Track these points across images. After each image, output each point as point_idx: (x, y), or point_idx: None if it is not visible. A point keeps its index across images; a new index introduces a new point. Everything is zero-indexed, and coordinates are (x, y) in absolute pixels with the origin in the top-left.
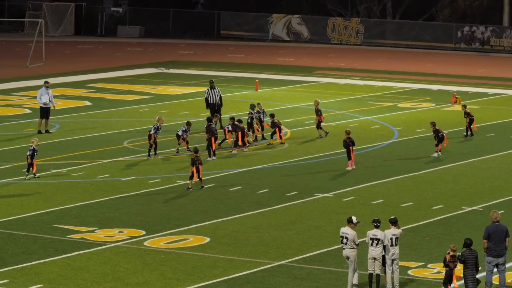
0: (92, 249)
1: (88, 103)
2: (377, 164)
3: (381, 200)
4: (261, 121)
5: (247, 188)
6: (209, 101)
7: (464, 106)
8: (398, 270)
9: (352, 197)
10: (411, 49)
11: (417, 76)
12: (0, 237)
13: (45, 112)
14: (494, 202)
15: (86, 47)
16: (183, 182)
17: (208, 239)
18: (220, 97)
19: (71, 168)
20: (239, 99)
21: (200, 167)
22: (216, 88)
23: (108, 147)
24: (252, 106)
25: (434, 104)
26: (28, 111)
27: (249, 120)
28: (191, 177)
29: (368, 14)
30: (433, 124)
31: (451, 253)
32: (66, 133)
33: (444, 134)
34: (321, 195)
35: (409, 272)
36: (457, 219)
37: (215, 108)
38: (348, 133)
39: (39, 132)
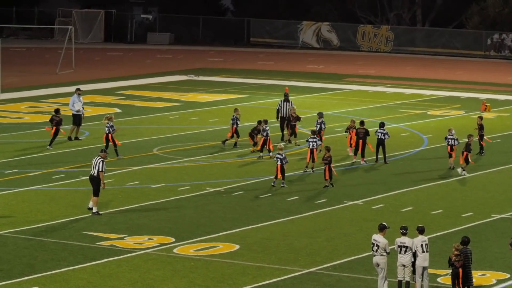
0: (122, 256)
1: (118, 110)
2: (407, 172)
3: (410, 208)
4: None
5: (276, 195)
6: (280, 113)
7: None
8: (428, 278)
9: (381, 205)
10: (441, 57)
11: (447, 84)
12: (30, 244)
13: (78, 119)
14: None
15: (115, 54)
16: (212, 189)
17: (237, 247)
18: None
19: None
20: (268, 106)
21: None
22: (290, 101)
23: (137, 154)
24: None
25: (464, 112)
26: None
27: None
28: None
29: (398, 22)
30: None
31: (456, 252)
32: (96, 140)
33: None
34: (351, 203)
35: (439, 279)
36: (486, 226)
37: (285, 121)
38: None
39: (69, 139)
